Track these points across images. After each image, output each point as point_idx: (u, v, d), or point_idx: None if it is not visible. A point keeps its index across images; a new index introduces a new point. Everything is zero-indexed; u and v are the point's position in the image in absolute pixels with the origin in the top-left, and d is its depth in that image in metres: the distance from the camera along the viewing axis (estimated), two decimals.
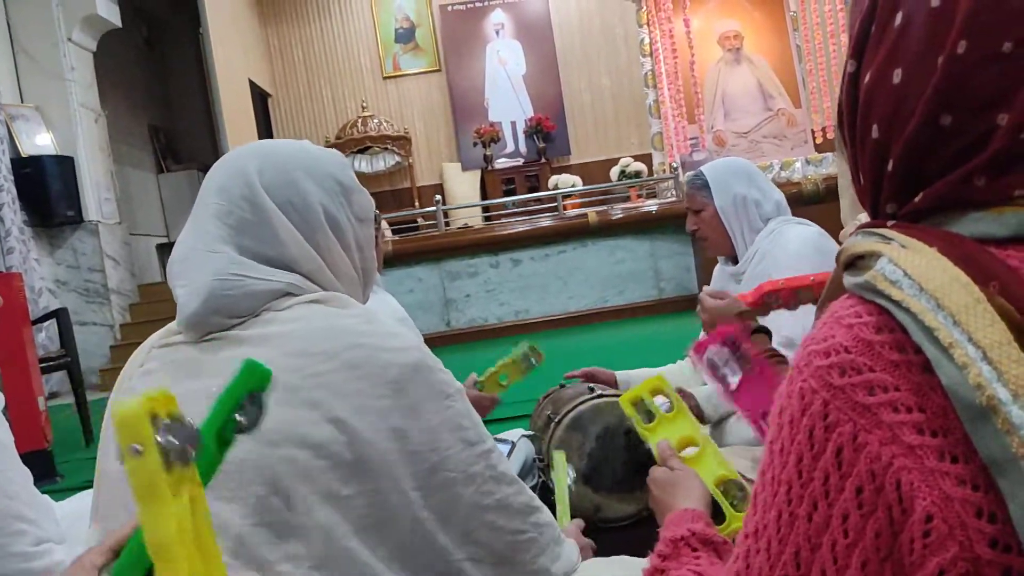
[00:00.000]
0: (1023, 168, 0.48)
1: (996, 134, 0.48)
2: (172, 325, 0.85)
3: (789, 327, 1.47)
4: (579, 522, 1.13)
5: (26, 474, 1.14)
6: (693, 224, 1.90)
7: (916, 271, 0.46)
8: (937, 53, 0.49)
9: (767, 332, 1.23)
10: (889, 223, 0.52)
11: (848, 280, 0.51)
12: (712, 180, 1.83)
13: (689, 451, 1.07)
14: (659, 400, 1.15)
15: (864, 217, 0.62)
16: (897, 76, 0.51)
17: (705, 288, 1.29)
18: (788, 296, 1.19)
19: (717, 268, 1.96)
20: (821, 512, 0.46)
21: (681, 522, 0.83)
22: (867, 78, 0.54)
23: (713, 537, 0.79)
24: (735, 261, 1.87)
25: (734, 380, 1.17)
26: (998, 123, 0.48)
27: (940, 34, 0.49)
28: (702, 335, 1.26)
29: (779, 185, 1.93)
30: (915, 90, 0.50)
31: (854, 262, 0.52)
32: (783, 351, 1.22)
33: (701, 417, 1.61)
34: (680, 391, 1.60)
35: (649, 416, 1.13)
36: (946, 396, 0.44)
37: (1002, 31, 0.47)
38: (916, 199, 0.52)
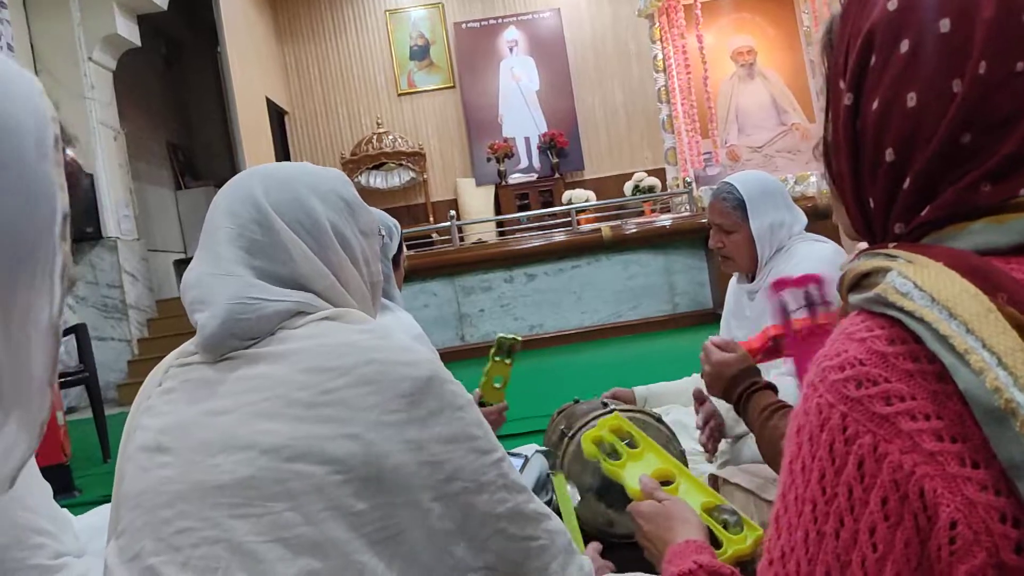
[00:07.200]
0: None
1: (1006, 143, 0.50)
2: (187, 345, 0.86)
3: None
4: (597, 545, 1.13)
5: (46, 488, 1.15)
6: (719, 242, 1.81)
7: (926, 283, 0.47)
8: (953, 75, 0.51)
9: (772, 388, 1.18)
10: (891, 244, 0.53)
11: (855, 298, 0.52)
12: (749, 202, 1.75)
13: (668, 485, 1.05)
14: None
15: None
16: (912, 100, 0.52)
17: (711, 338, 1.26)
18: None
19: (732, 284, 1.94)
20: (848, 528, 0.46)
21: (686, 555, 0.82)
22: (874, 105, 0.55)
23: (721, 568, 0.78)
24: (752, 278, 1.83)
25: (797, 327, 1.15)
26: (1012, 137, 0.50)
27: (956, 58, 0.51)
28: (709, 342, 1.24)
29: (794, 199, 1.89)
30: (933, 111, 0.51)
31: (859, 282, 0.53)
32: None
33: (722, 430, 1.57)
34: (699, 395, 1.57)
35: (615, 455, 1.11)
36: (962, 403, 0.44)
37: (1015, 53, 0.50)
38: (923, 212, 0.53)
